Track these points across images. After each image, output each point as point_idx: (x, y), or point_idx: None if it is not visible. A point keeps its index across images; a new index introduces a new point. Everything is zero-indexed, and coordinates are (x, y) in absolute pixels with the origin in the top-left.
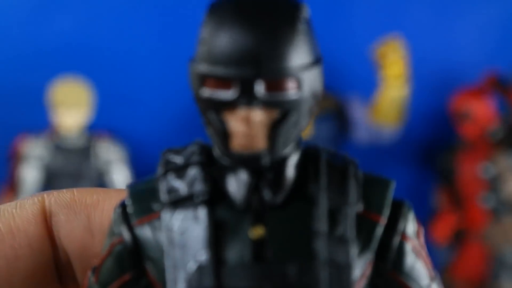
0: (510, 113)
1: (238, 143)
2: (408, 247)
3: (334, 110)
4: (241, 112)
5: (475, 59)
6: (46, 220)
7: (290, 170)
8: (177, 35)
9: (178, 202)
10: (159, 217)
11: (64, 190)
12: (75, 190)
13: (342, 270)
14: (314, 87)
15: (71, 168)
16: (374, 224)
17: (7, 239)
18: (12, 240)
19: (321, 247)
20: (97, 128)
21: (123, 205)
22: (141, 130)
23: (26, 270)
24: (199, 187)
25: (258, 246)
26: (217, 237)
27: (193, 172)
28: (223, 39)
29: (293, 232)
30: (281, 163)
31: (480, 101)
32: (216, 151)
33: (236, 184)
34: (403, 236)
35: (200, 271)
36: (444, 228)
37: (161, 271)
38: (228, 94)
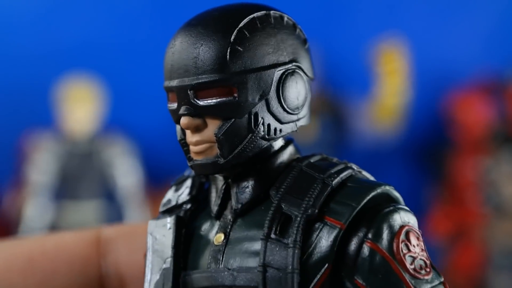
0: (506, 114)
1: (191, 150)
2: (375, 256)
3: (331, 114)
4: (182, 121)
5: (472, 58)
6: (100, 246)
7: (261, 177)
8: None
9: (169, 211)
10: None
11: (124, 223)
12: (133, 221)
13: (282, 273)
14: (262, 92)
15: (77, 169)
16: (330, 229)
17: (50, 254)
18: (54, 255)
19: (261, 251)
20: (107, 123)
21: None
22: (151, 126)
23: (63, 285)
24: (183, 197)
25: (217, 252)
26: (189, 243)
27: (187, 183)
28: (167, 57)
29: (247, 237)
30: (253, 170)
31: (472, 106)
32: None
33: (212, 194)
34: (369, 243)
35: (164, 275)
36: (443, 221)
37: None
38: (175, 105)
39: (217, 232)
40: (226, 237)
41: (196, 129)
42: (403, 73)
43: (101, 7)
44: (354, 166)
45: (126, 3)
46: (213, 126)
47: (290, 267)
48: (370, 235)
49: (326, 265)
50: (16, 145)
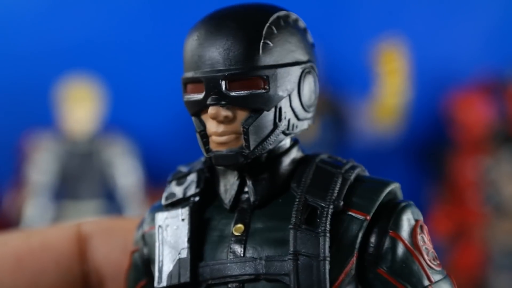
0: (507, 113)
1: (213, 141)
2: (398, 245)
3: (331, 114)
4: (211, 111)
5: (472, 57)
6: (80, 242)
7: (276, 172)
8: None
9: (173, 204)
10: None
11: (103, 217)
12: (113, 217)
13: (314, 261)
14: (288, 87)
15: (77, 169)
16: (355, 220)
17: (36, 253)
18: (40, 254)
19: (292, 240)
20: (107, 123)
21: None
22: (151, 126)
23: (50, 284)
24: (192, 190)
25: (238, 242)
26: (203, 235)
27: (191, 178)
28: (191, 48)
29: (269, 228)
30: (267, 164)
31: (473, 105)
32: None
33: (225, 187)
34: (392, 234)
35: (180, 265)
36: (443, 221)
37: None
38: (199, 96)
39: (235, 224)
40: (246, 228)
41: (224, 120)
42: (403, 73)
43: (101, 6)
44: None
45: (126, 2)
46: (240, 117)
47: (322, 254)
48: (392, 226)
49: (353, 254)
50: (16, 145)
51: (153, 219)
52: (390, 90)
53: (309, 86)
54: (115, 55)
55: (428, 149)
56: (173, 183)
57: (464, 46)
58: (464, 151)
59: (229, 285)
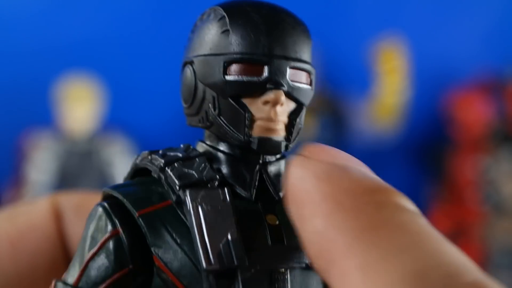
0: (506, 112)
1: (260, 126)
2: None
3: (330, 113)
4: (271, 95)
5: (471, 56)
6: (57, 219)
7: (283, 167)
8: (187, 31)
9: (193, 186)
10: (165, 207)
11: (74, 192)
12: (84, 193)
13: None
14: (314, 87)
15: (77, 168)
16: None
17: (28, 235)
18: (32, 235)
19: None
20: (107, 122)
21: (108, 203)
22: (150, 125)
23: (47, 262)
24: (210, 173)
25: (276, 231)
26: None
27: (200, 161)
28: (252, 28)
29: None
30: (277, 162)
31: (472, 104)
32: (220, 145)
33: (240, 178)
34: None
35: (231, 247)
36: (442, 220)
37: (175, 254)
38: (257, 78)
39: (265, 214)
40: (279, 219)
41: (280, 106)
42: (403, 72)
43: (100, 5)
44: None
45: (125, 2)
46: (287, 108)
47: None
48: None
49: None
50: (15, 144)
51: (143, 203)
52: (389, 89)
53: None
54: (115, 54)
55: (427, 148)
56: (177, 165)
57: (463, 45)
58: (463, 150)
59: (274, 273)
